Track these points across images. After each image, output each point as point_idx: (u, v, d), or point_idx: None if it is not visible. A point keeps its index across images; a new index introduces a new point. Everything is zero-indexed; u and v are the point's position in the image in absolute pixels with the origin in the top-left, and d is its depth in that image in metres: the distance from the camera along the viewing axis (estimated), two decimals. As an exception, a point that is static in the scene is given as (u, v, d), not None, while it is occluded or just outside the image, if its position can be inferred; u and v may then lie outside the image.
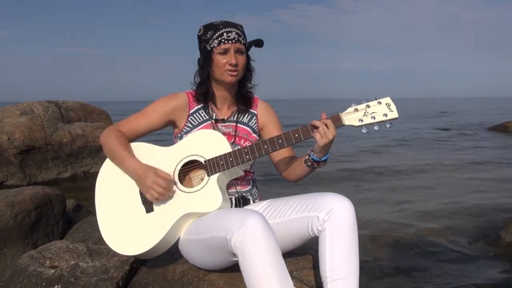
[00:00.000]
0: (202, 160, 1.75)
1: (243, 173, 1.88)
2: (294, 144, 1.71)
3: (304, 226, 1.65)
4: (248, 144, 1.83)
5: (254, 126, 1.97)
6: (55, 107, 6.64)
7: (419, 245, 3.69)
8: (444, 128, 16.41)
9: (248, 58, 1.89)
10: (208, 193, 1.71)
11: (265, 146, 1.71)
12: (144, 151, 1.84)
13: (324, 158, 1.74)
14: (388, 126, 1.65)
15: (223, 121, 1.92)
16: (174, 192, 1.74)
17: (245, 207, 1.86)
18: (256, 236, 1.45)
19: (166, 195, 1.70)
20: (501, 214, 4.44)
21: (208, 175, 1.73)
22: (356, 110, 1.66)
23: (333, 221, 1.59)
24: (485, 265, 3.27)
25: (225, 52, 1.80)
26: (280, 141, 1.70)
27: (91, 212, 3.76)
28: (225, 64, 1.81)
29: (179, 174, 1.77)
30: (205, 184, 1.72)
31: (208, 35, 1.82)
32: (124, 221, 1.76)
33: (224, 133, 1.84)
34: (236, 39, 1.80)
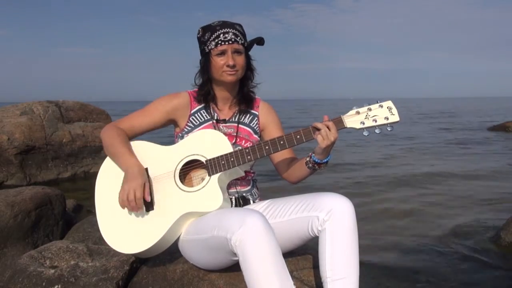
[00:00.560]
0: (203, 159, 1.75)
1: (243, 174, 1.88)
2: (295, 145, 1.71)
3: (304, 226, 1.65)
4: (249, 145, 1.83)
5: (255, 127, 1.97)
6: (55, 107, 6.64)
7: (419, 245, 3.69)
8: (445, 128, 16.44)
9: (248, 58, 1.89)
10: (208, 192, 1.70)
11: (267, 147, 1.71)
12: (145, 150, 1.84)
13: (326, 160, 1.75)
14: (389, 130, 1.66)
15: (224, 121, 1.92)
16: (175, 191, 1.74)
17: (245, 207, 1.86)
18: (256, 235, 1.44)
19: (130, 206, 1.68)
20: (501, 214, 4.45)
21: (209, 175, 1.73)
22: (358, 112, 1.66)
23: (333, 221, 1.59)
24: (486, 265, 3.27)
25: (222, 53, 1.80)
26: (281, 142, 1.70)
27: (91, 212, 3.76)
28: (222, 65, 1.81)
29: (179, 173, 1.77)
30: (206, 184, 1.72)
31: (206, 37, 1.82)
32: (124, 220, 1.75)
33: (225, 134, 1.83)
34: (233, 39, 1.79)
